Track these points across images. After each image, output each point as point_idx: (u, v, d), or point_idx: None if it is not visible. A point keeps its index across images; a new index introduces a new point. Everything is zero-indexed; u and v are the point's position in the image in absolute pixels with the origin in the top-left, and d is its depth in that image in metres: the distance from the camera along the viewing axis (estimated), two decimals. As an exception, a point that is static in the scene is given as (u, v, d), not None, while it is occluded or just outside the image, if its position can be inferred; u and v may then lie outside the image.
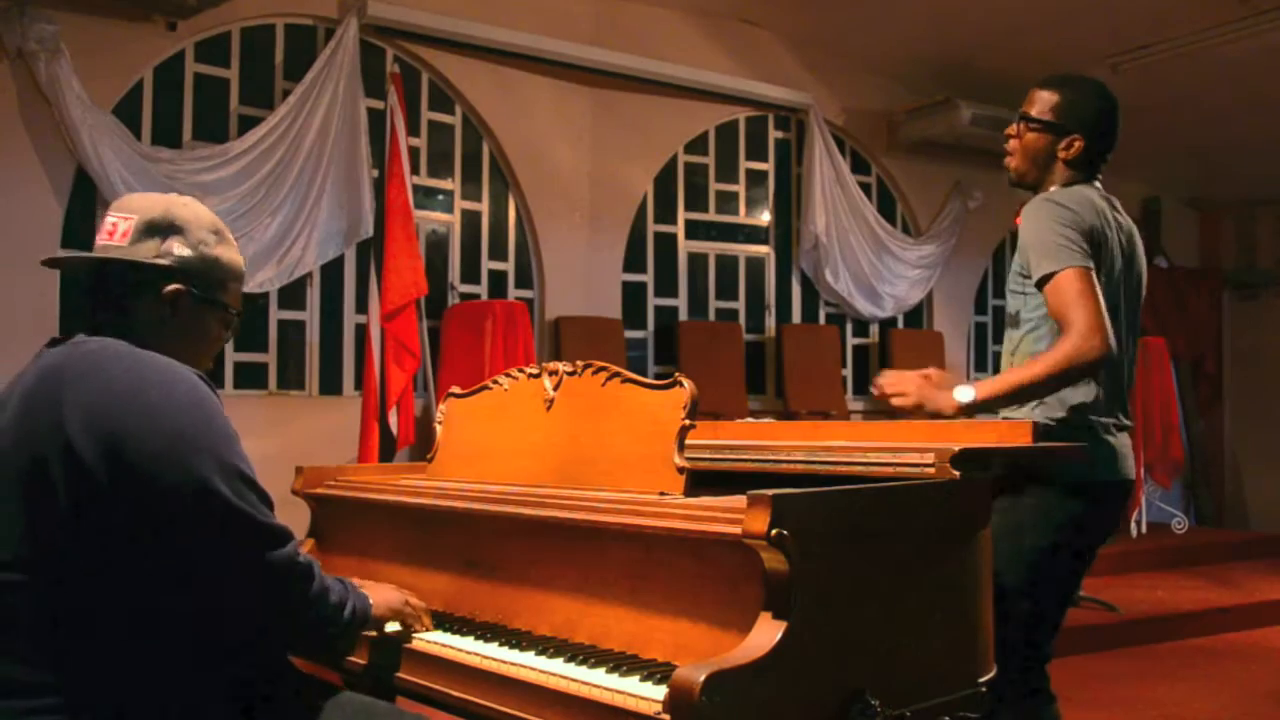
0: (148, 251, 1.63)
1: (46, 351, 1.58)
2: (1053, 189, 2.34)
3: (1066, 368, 2.11)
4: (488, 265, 6.44)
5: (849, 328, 7.84)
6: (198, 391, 1.51)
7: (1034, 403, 2.25)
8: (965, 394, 2.16)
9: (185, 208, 1.70)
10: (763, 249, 7.56)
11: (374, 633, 1.75)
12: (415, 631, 1.78)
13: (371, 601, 1.71)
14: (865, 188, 7.80)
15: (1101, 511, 2.28)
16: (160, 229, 1.65)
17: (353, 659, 1.83)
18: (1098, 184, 2.40)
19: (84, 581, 1.43)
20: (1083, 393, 2.24)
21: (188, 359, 1.60)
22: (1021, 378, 2.17)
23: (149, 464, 1.42)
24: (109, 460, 1.41)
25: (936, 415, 2.18)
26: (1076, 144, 2.36)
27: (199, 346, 1.68)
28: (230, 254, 1.73)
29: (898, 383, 2.23)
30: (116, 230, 1.64)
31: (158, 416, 1.45)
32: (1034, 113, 2.39)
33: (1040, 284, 2.20)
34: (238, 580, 1.49)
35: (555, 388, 1.97)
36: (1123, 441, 2.29)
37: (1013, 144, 2.44)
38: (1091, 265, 2.17)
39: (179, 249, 1.65)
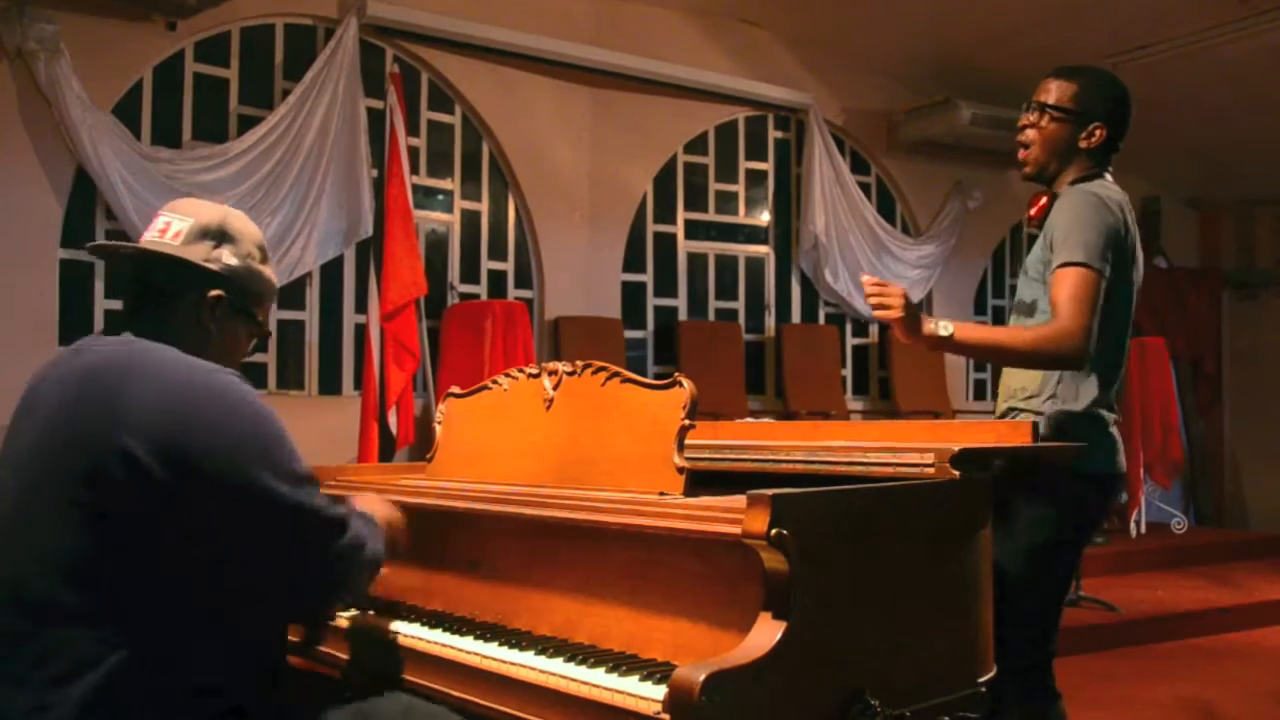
0: (198, 254, 1.67)
1: (90, 346, 1.60)
2: (1095, 183, 2.30)
3: (1047, 351, 2.12)
4: (487, 265, 6.44)
5: (848, 328, 7.84)
6: (247, 399, 1.56)
7: (1049, 395, 2.26)
8: (945, 329, 2.16)
9: (239, 220, 1.74)
10: (762, 249, 7.56)
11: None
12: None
13: (380, 526, 1.76)
14: (865, 188, 7.80)
15: (1104, 502, 2.30)
16: (213, 235, 1.69)
17: (347, 655, 1.83)
18: (1110, 176, 2.38)
19: (143, 579, 1.46)
20: (1096, 387, 2.24)
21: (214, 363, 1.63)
22: (1001, 339, 2.19)
23: (213, 474, 1.46)
24: (173, 470, 1.44)
25: (914, 335, 2.15)
26: (1099, 132, 2.33)
27: (227, 354, 1.71)
28: (270, 273, 1.79)
29: (886, 293, 2.17)
30: (169, 229, 1.68)
31: (218, 430, 1.49)
32: (1053, 101, 2.35)
33: (1058, 266, 2.18)
34: (303, 567, 1.56)
35: (555, 388, 1.97)
36: (1118, 434, 2.31)
37: (1030, 134, 2.38)
38: (1107, 275, 2.16)
39: (228, 257, 1.69)
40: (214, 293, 1.67)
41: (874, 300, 2.18)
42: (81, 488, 1.44)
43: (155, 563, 1.46)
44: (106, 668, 1.40)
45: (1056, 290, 2.16)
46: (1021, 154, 2.42)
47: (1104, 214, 2.20)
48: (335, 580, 1.62)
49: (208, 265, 1.67)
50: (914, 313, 2.16)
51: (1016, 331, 2.22)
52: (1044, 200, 2.41)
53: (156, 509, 1.44)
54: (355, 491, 2.18)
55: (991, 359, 2.28)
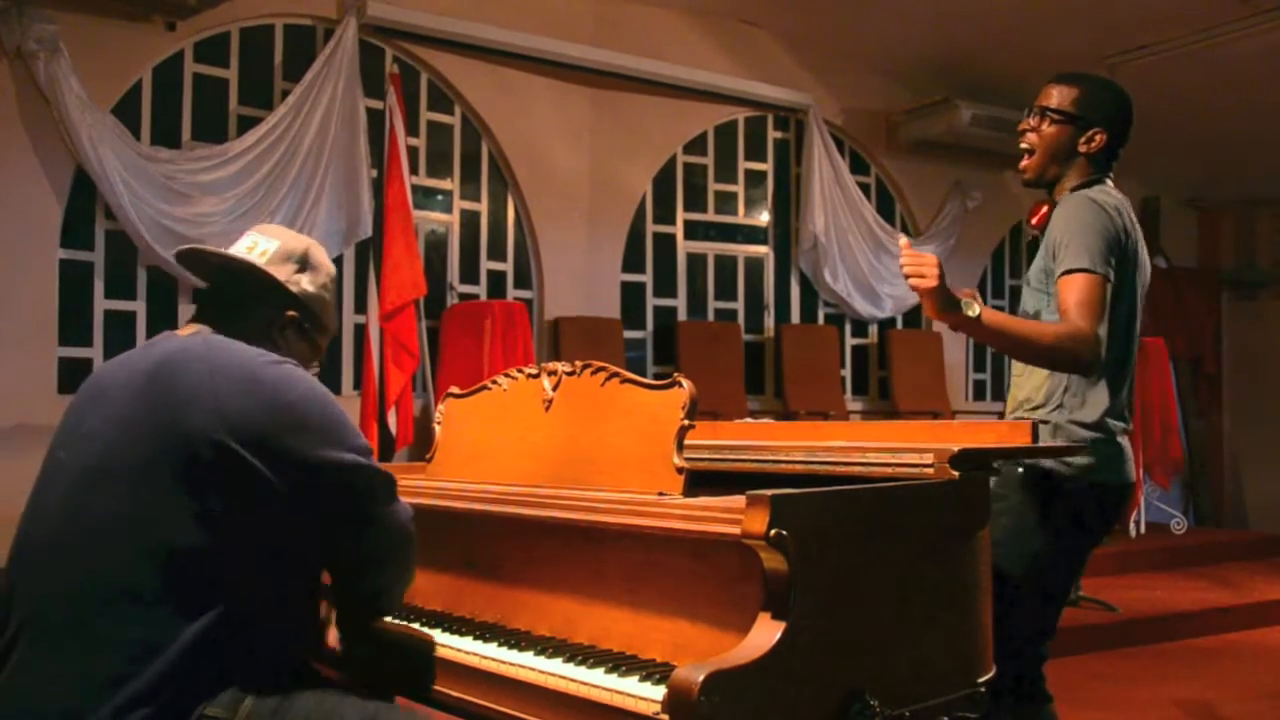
0: (281, 274, 1.78)
1: (162, 341, 1.68)
2: (1094, 188, 2.29)
3: (1062, 349, 2.09)
4: (487, 265, 6.44)
5: (848, 328, 7.84)
6: (315, 386, 1.66)
7: (1055, 405, 2.24)
8: (973, 309, 2.10)
9: (320, 253, 1.88)
10: (762, 249, 7.56)
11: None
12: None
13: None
14: (864, 188, 7.80)
15: (1107, 513, 2.28)
16: (296, 260, 1.81)
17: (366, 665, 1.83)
18: (1111, 182, 2.37)
19: (223, 558, 1.53)
20: (1103, 396, 2.23)
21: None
22: (1026, 332, 2.14)
23: (305, 459, 1.57)
24: (267, 457, 1.54)
25: (945, 310, 2.09)
26: (1099, 137, 2.32)
27: None
28: (333, 304, 1.91)
29: (921, 261, 2.11)
30: (256, 248, 1.79)
31: (307, 422, 1.59)
32: (1054, 106, 2.34)
33: (1062, 273, 2.17)
34: (375, 521, 1.65)
35: (554, 388, 1.97)
36: (1128, 445, 2.29)
37: (1030, 139, 2.38)
38: (1112, 280, 2.15)
39: (307, 283, 1.82)
40: (290, 313, 1.78)
41: (909, 269, 2.11)
42: (164, 471, 1.52)
43: (238, 541, 1.53)
44: (183, 643, 1.47)
45: (1064, 297, 2.14)
46: (1023, 161, 2.40)
47: (1103, 218, 2.19)
48: (399, 545, 1.68)
49: (289, 286, 1.78)
50: (946, 287, 2.10)
51: (1041, 326, 2.17)
52: (1045, 209, 2.39)
53: (241, 489, 1.53)
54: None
55: (1011, 350, 2.25)
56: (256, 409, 1.56)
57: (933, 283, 2.07)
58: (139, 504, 1.53)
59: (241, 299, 1.76)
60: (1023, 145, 2.40)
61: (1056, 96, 2.35)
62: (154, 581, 1.49)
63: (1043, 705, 2.28)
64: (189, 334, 1.70)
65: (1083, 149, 2.34)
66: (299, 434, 1.57)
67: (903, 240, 2.21)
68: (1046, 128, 2.35)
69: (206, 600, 1.50)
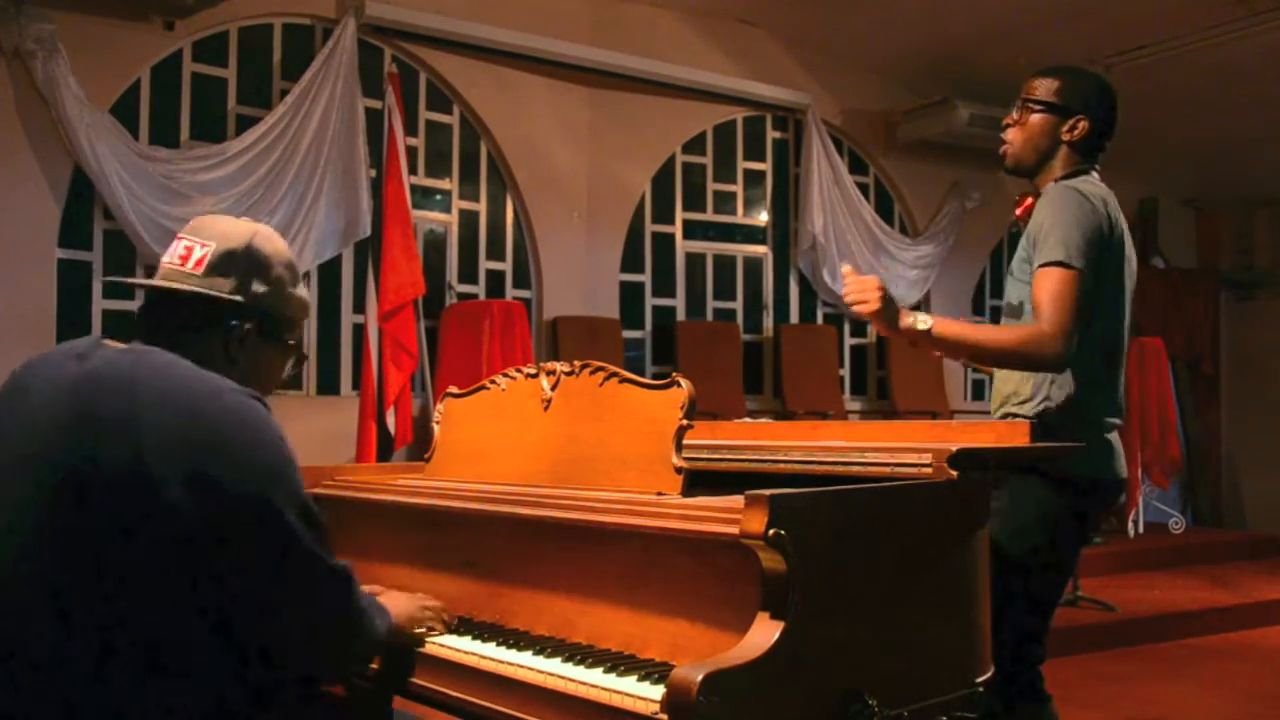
0: (224, 285, 1.55)
1: (93, 353, 1.46)
2: (1078, 180, 2.29)
3: (1023, 353, 2.13)
4: (485, 265, 6.44)
5: (847, 328, 7.84)
6: (270, 421, 1.47)
7: (1042, 399, 2.24)
8: (923, 323, 2.16)
9: (268, 242, 1.62)
10: (760, 249, 7.57)
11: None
12: (437, 631, 1.75)
13: (391, 618, 1.67)
14: (863, 188, 7.80)
15: (1098, 509, 2.29)
16: (239, 261, 1.57)
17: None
18: (1097, 174, 2.37)
19: (121, 607, 1.35)
20: (1090, 391, 2.23)
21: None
22: (979, 338, 2.19)
23: (237, 503, 1.37)
24: (194, 496, 1.35)
25: (893, 328, 2.16)
26: (1081, 124, 2.32)
27: (260, 381, 1.63)
28: (302, 292, 1.68)
29: (862, 285, 2.16)
30: (190, 256, 1.55)
31: (240, 449, 1.40)
32: (1036, 96, 2.36)
33: (1039, 265, 2.17)
34: (295, 616, 1.46)
35: (553, 388, 1.97)
36: (1118, 440, 2.29)
37: (1011, 132, 2.39)
38: (1089, 275, 2.14)
39: (256, 285, 1.58)
40: (245, 328, 1.57)
41: (851, 295, 2.17)
42: (75, 506, 1.34)
43: (157, 592, 1.36)
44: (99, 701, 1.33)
45: (1037, 290, 2.15)
46: (1002, 150, 2.42)
47: (1085, 210, 2.18)
48: (332, 636, 1.51)
49: (235, 299, 1.55)
50: (891, 306, 2.16)
51: (994, 331, 2.22)
52: (1030, 201, 2.40)
53: (163, 532, 1.34)
54: (354, 493, 2.18)
55: (969, 357, 2.29)
56: (202, 448, 1.37)
57: (874, 306, 2.13)
58: (41, 545, 1.35)
59: (184, 324, 1.53)
60: (1003, 137, 2.42)
61: (1039, 89, 2.37)
62: (48, 638, 1.32)
63: (1043, 705, 2.28)
64: (122, 349, 1.48)
65: (1065, 137, 2.33)
66: (255, 485, 1.38)
67: (845, 269, 2.27)
68: (1028, 118, 2.36)
69: (127, 661, 1.34)
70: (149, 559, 1.34)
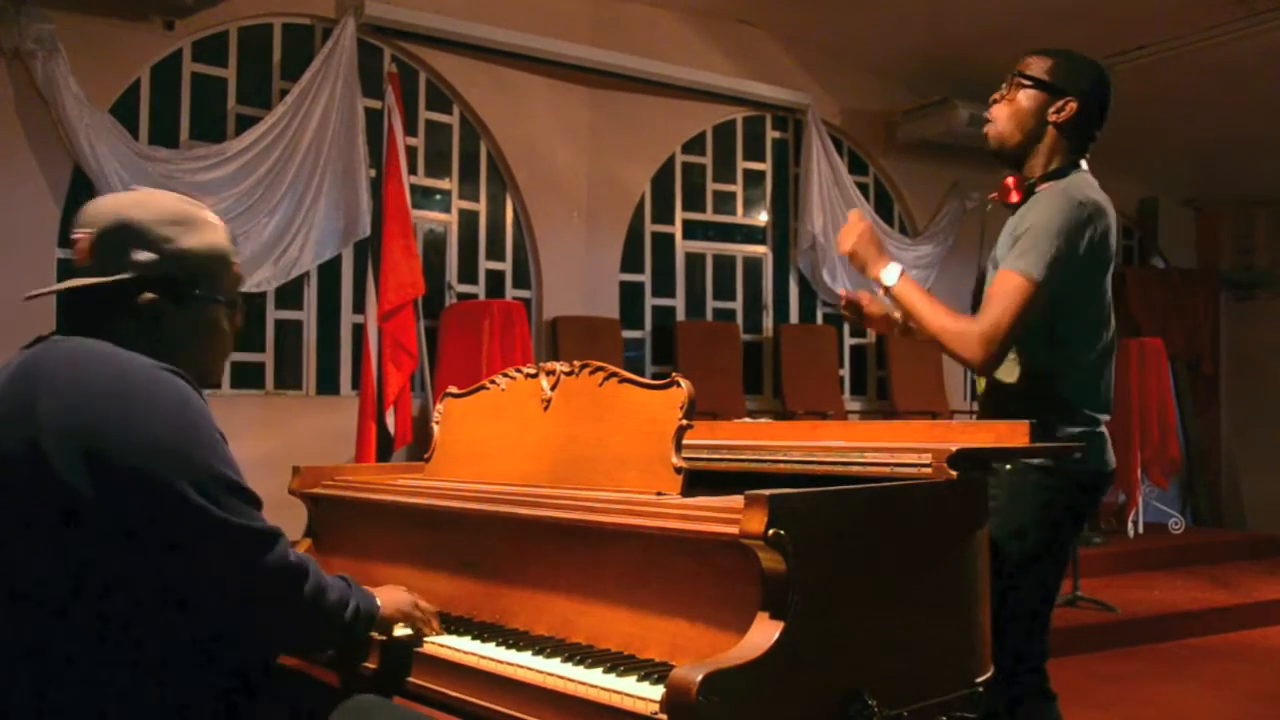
0: (109, 266, 1.49)
1: (20, 353, 1.50)
2: (1072, 178, 2.25)
3: (950, 346, 2.18)
4: (485, 265, 6.44)
5: (846, 328, 7.84)
6: (182, 397, 1.42)
7: (1033, 394, 2.24)
8: (890, 277, 2.27)
9: (139, 207, 1.54)
10: (760, 249, 7.57)
11: (383, 636, 1.74)
12: (425, 635, 1.75)
13: (379, 602, 1.67)
14: (863, 188, 7.80)
15: (1090, 501, 2.28)
16: (115, 238, 1.50)
17: (365, 665, 1.82)
18: (1085, 164, 2.33)
19: (58, 596, 1.36)
20: (1086, 387, 2.23)
21: (193, 364, 1.52)
22: (924, 314, 2.23)
23: (128, 477, 1.34)
24: (88, 471, 1.33)
25: (863, 271, 2.32)
26: (1070, 106, 2.26)
27: (201, 349, 1.58)
28: (203, 238, 1.57)
29: (847, 230, 2.33)
30: (78, 247, 1.52)
31: (137, 427, 1.36)
32: (1029, 73, 2.30)
33: (1005, 265, 2.16)
34: (228, 587, 1.42)
35: (552, 388, 1.97)
36: (1105, 432, 2.29)
37: (997, 109, 2.34)
38: (1048, 290, 2.11)
39: (140, 254, 1.50)
40: (144, 298, 1.50)
41: (840, 237, 2.37)
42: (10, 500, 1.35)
43: (75, 582, 1.35)
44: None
45: (991, 289, 2.17)
46: (986, 129, 2.38)
47: (1071, 221, 2.14)
48: (272, 597, 1.45)
49: (121, 277, 1.48)
50: (870, 249, 2.31)
51: (938, 314, 2.21)
52: (1012, 182, 2.34)
53: (71, 516, 1.33)
54: (353, 493, 2.18)
55: (915, 324, 2.33)
56: (90, 420, 1.35)
57: (849, 250, 2.32)
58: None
59: (92, 316, 1.50)
60: (987, 115, 2.38)
61: (1032, 66, 2.32)
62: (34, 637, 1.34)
63: (1047, 704, 2.28)
64: (41, 344, 1.51)
65: (1053, 118, 2.27)
66: (143, 458, 1.35)
67: (853, 211, 2.42)
68: (1016, 95, 2.32)
69: (93, 650, 1.36)
70: (57, 541, 1.35)
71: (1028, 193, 2.31)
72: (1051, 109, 2.28)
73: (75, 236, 1.53)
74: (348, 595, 1.59)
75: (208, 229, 1.60)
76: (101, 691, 1.37)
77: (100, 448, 1.34)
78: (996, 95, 2.36)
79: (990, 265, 2.36)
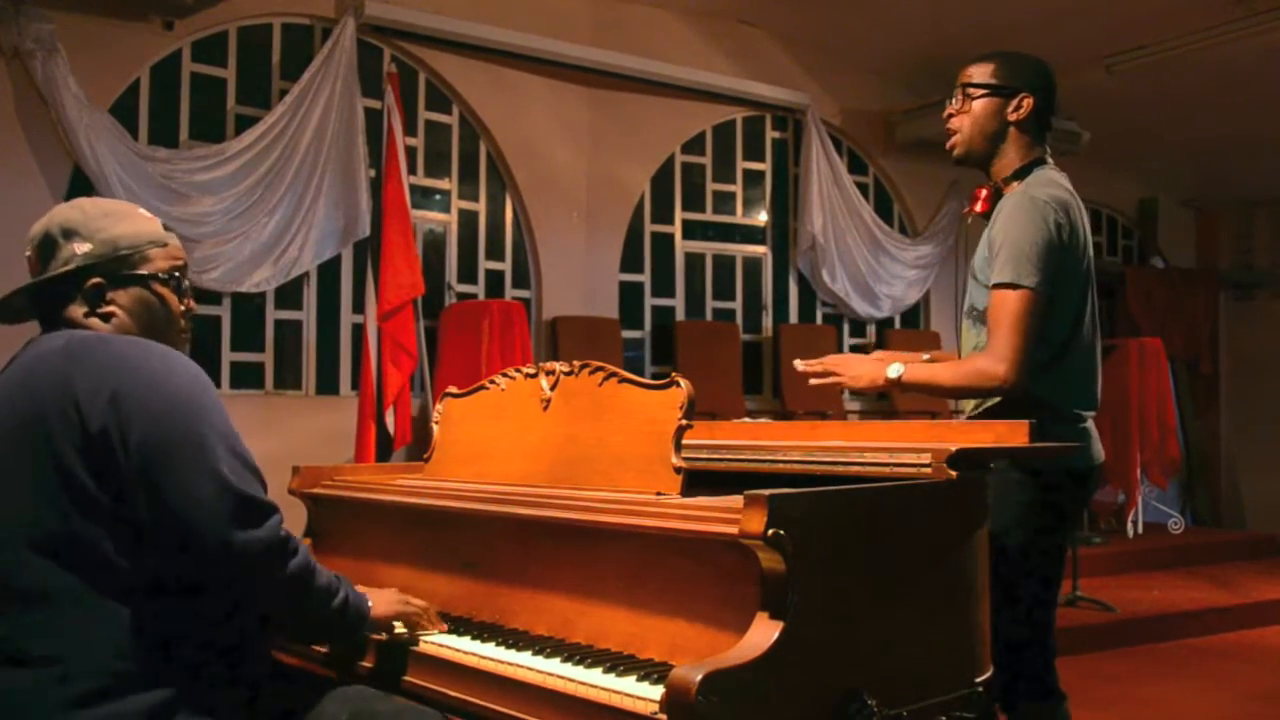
0: (54, 265, 1.64)
1: (41, 338, 1.62)
2: (1035, 176, 2.26)
3: (971, 385, 2.18)
4: (485, 265, 6.44)
5: (846, 328, 7.84)
6: (195, 366, 1.57)
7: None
8: (896, 371, 2.26)
9: (71, 209, 1.69)
10: (760, 249, 7.57)
11: (381, 636, 1.75)
12: (422, 633, 1.76)
13: (371, 602, 1.70)
14: (862, 188, 7.80)
15: (1081, 497, 2.29)
16: (52, 242, 1.65)
17: (363, 663, 1.82)
18: (1049, 156, 2.35)
19: (87, 547, 1.45)
20: (1072, 386, 2.23)
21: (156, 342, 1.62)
22: (938, 380, 2.24)
23: (151, 423, 1.46)
24: (113, 418, 1.45)
25: (872, 385, 2.32)
26: (1026, 102, 2.31)
27: (160, 328, 1.68)
28: (134, 225, 1.70)
29: (825, 366, 2.40)
30: (29, 261, 1.69)
31: (160, 382, 1.49)
32: (975, 81, 2.35)
33: (994, 285, 2.18)
34: (219, 549, 1.46)
35: (552, 388, 1.97)
36: (1093, 427, 2.29)
37: (956, 121, 2.38)
38: (1044, 291, 2.13)
39: (79, 246, 1.64)
40: (90, 283, 1.63)
41: (820, 382, 2.39)
42: (42, 468, 1.45)
43: (96, 525, 1.45)
44: (104, 645, 1.42)
45: (992, 314, 2.17)
46: (949, 142, 2.41)
47: (1038, 222, 2.15)
48: (259, 568, 1.50)
49: (63, 270, 1.63)
50: (856, 371, 2.33)
51: (953, 370, 2.24)
52: (985, 192, 2.38)
53: (103, 466, 1.44)
54: (353, 492, 2.18)
55: (937, 395, 2.36)
56: (118, 375, 1.48)
57: (849, 382, 2.37)
58: (24, 508, 1.47)
59: (54, 316, 1.65)
60: (949, 128, 2.41)
61: (976, 75, 2.36)
62: (60, 581, 1.44)
63: (1057, 704, 2.28)
64: (55, 334, 1.63)
65: (1012, 117, 2.32)
66: (165, 409, 1.47)
67: (797, 363, 2.46)
68: (970, 105, 2.36)
69: (123, 595, 1.45)
70: (94, 491, 1.45)
71: (996, 197, 2.34)
72: (1009, 109, 2.33)
73: (27, 255, 1.68)
74: (337, 586, 1.64)
75: (138, 218, 1.72)
76: (99, 629, 1.44)
77: (127, 392, 1.47)
78: (950, 109, 2.40)
79: (971, 276, 2.36)
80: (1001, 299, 2.15)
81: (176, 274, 1.71)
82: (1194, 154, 8.33)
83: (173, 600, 1.49)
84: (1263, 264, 9.35)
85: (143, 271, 1.67)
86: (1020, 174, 2.31)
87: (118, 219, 1.69)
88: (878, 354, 2.38)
